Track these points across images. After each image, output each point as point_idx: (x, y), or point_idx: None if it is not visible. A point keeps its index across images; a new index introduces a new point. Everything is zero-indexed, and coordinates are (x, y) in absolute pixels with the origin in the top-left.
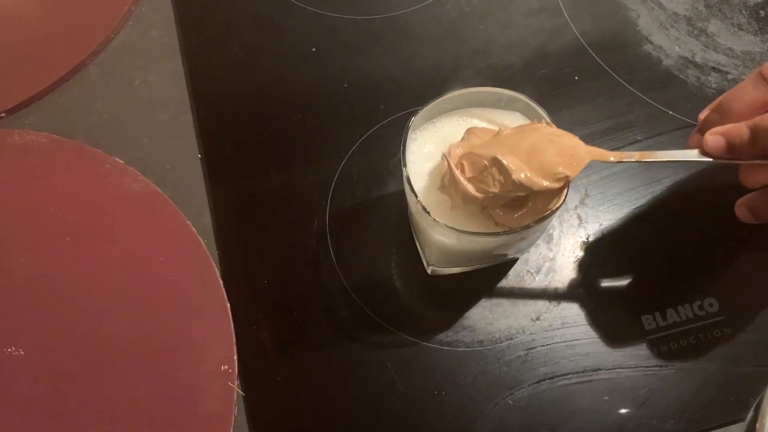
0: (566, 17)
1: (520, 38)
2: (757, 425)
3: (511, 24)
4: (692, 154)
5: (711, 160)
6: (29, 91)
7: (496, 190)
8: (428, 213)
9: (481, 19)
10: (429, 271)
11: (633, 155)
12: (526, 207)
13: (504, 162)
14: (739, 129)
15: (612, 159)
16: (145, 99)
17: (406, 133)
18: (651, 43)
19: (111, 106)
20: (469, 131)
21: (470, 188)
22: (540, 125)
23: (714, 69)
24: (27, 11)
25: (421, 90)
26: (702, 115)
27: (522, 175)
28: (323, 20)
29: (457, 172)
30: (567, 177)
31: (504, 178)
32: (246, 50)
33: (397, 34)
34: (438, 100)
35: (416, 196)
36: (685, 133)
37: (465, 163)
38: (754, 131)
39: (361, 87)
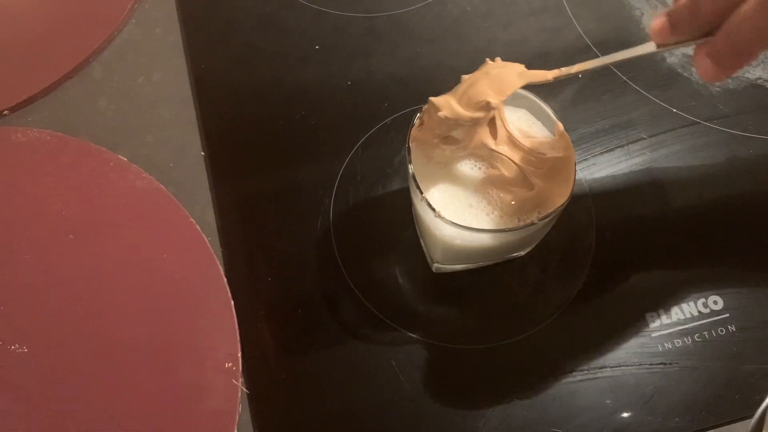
0: (570, 15)
1: (523, 37)
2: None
3: (513, 22)
4: (637, 50)
5: (656, 50)
6: (33, 88)
7: (439, 129)
8: (433, 209)
9: (483, 18)
10: (433, 269)
11: (572, 68)
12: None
13: (432, 101)
14: (680, 4)
15: (550, 77)
16: (148, 96)
17: (410, 130)
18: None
19: (114, 104)
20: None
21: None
22: (488, 63)
23: None
24: (30, 9)
25: (424, 88)
26: (654, 27)
27: (446, 110)
28: (326, 18)
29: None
30: (488, 104)
31: (434, 117)
32: (249, 48)
33: (399, 33)
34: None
35: (421, 192)
36: (689, 130)
37: (423, 115)
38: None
39: (364, 85)
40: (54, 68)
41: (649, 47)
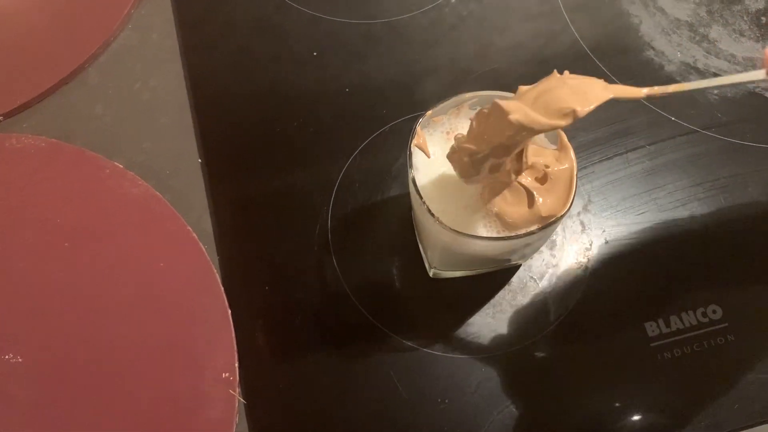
0: (567, 21)
1: (520, 43)
2: None
3: (510, 28)
4: (743, 76)
5: (765, 78)
6: (28, 94)
7: (499, 138)
8: (432, 214)
9: (480, 24)
10: (431, 274)
11: (668, 87)
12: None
13: (502, 105)
14: None
15: (644, 93)
16: (145, 102)
17: (413, 135)
18: (653, 48)
19: (111, 110)
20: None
21: (471, 143)
22: (565, 74)
23: (716, 75)
24: (26, 14)
25: (422, 95)
26: None
27: (519, 115)
28: (324, 24)
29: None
30: (574, 111)
31: (502, 122)
32: (247, 54)
33: (397, 39)
34: (446, 103)
35: (421, 198)
36: (688, 138)
37: (474, 121)
38: None
39: (362, 91)
40: (50, 74)
41: (758, 75)
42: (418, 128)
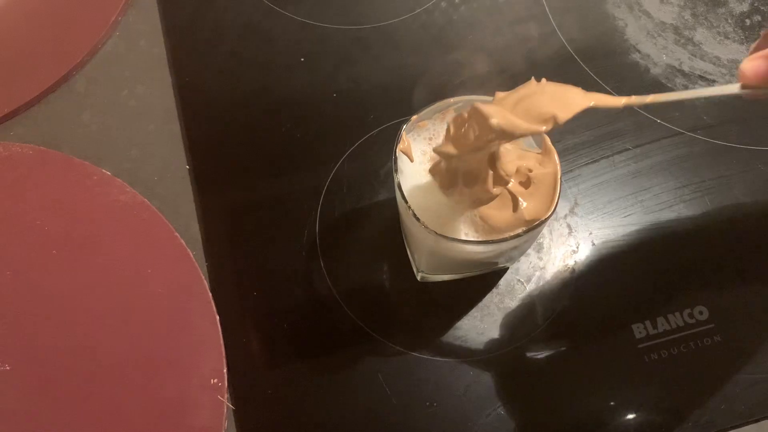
0: (554, 25)
1: (508, 46)
2: None
3: (499, 32)
4: (719, 89)
5: (740, 91)
6: (15, 102)
7: (478, 142)
8: (418, 219)
9: (468, 28)
10: (419, 278)
11: (646, 98)
12: (515, 209)
13: (482, 108)
14: None
15: (620, 104)
16: (132, 109)
17: (398, 141)
18: (638, 51)
19: (98, 117)
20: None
21: (448, 147)
22: (542, 82)
23: (701, 77)
24: (12, 22)
25: (410, 99)
26: (747, 69)
27: (500, 119)
28: (312, 30)
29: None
30: (555, 117)
31: (481, 126)
32: (234, 60)
33: (385, 44)
34: (431, 108)
35: (407, 202)
36: (674, 141)
37: (451, 125)
38: None
39: (350, 96)
40: (36, 82)
41: (732, 88)
42: (403, 133)
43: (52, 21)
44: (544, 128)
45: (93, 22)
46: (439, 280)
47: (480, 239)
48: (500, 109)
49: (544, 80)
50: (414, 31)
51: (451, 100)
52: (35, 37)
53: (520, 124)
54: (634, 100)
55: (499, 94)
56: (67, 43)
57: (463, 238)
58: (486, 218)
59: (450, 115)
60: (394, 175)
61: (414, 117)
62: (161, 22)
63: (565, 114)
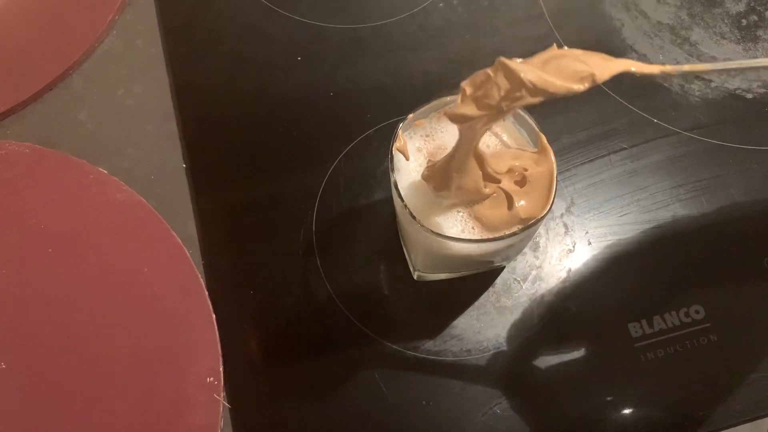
0: (551, 26)
1: (506, 47)
2: None
3: (496, 32)
4: (762, 61)
5: None
6: (11, 100)
7: (498, 98)
8: (414, 217)
9: (466, 28)
10: (415, 277)
11: (683, 67)
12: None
13: (510, 64)
14: None
15: (658, 70)
16: (129, 109)
17: (394, 139)
18: (635, 51)
19: (95, 116)
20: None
21: (466, 108)
22: (568, 49)
23: (697, 77)
24: (9, 20)
25: (408, 98)
26: None
27: (532, 76)
28: (309, 29)
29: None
30: (593, 75)
31: (511, 83)
32: (231, 59)
33: (383, 43)
34: (428, 106)
35: (403, 201)
36: (669, 141)
37: (467, 86)
38: None
39: (347, 96)
40: (33, 80)
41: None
42: (399, 131)
43: (49, 20)
44: (580, 87)
45: (90, 21)
46: (436, 279)
47: (476, 238)
48: (530, 66)
49: (566, 47)
50: (412, 30)
51: (448, 98)
52: (32, 36)
53: (554, 80)
54: (669, 69)
55: (520, 60)
56: (63, 41)
57: (458, 237)
58: (481, 217)
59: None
60: (391, 174)
61: (411, 115)
62: (158, 21)
63: (603, 73)
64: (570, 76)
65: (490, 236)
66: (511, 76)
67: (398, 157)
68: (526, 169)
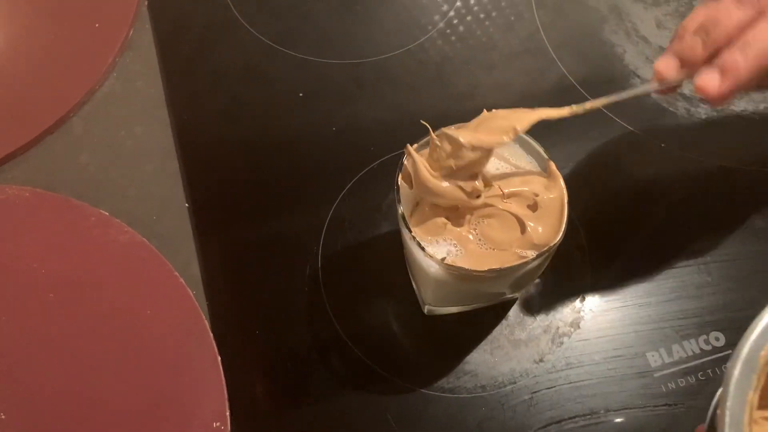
0: (553, 57)
1: (507, 80)
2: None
3: (496, 66)
4: (646, 88)
5: (656, 89)
6: (12, 145)
7: (451, 162)
8: (422, 248)
9: (466, 63)
10: (425, 311)
11: (585, 104)
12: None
13: (448, 132)
14: (690, 42)
15: (565, 113)
16: (130, 150)
17: (399, 170)
18: (638, 77)
19: (96, 158)
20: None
21: (424, 167)
22: (492, 111)
23: (703, 100)
24: (9, 64)
25: (410, 132)
26: (660, 66)
27: (469, 137)
28: (309, 66)
29: (415, 154)
30: (514, 128)
31: (452, 147)
32: (232, 98)
33: (383, 79)
34: (429, 138)
35: (410, 231)
36: (679, 164)
37: (423, 159)
38: (704, 31)
39: (349, 131)
40: (33, 124)
41: (651, 86)
42: (406, 162)
43: (49, 63)
44: (506, 138)
45: (90, 64)
46: (447, 312)
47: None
48: (466, 131)
49: (494, 110)
50: (412, 66)
51: (453, 127)
52: (32, 80)
53: (486, 137)
54: (575, 108)
55: (452, 128)
56: (64, 85)
57: (468, 267)
58: (489, 241)
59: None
60: (398, 205)
61: (415, 146)
62: (159, 62)
63: (523, 124)
64: (497, 131)
65: (502, 266)
66: (452, 141)
67: (404, 188)
68: (536, 194)
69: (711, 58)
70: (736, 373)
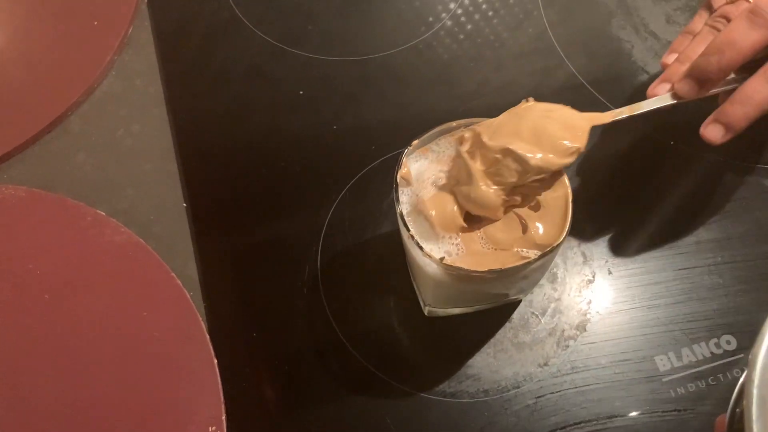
0: (561, 55)
1: (515, 79)
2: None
3: (504, 65)
4: (661, 100)
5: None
6: (9, 144)
7: (515, 179)
8: (421, 248)
9: (473, 61)
10: (426, 312)
11: (623, 111)
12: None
13: (517, 151)
14: (704, 62)
15: (608, 119)
16: (128, 149)
17: (399, 167)
18: (647, 72)
19: (93, 157)
20: (459, 138)
21: (481, 182)
22: (529, 103)
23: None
24: (6, 61)
25: (412, 130)
26: (667, 60)
27: (539, 158)
28: (310, 63)
29: (471, 162)
30: (578, 149)
31: (520, 166)
32: (232, 97)
33: (387, 76)
34: (432, 132)
35: (409, 230)
36: (690, 164)
37: (478, 161)
38: (719, 51)
39: (350, 130)
40: (31, 123)
41: (665, 100)
42: (404, 159)
43: (47, 62)
44: (572, 160)
45: (88, 62)
46: (448, 314)
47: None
48: (531, 148)
49: (531, 100)
50: (417, 63)
51: (453, 123)
52: (30, 78)
53: (556, 161)
54: (616, 113)
55: (495, 120)
56: (62, 83)
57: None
58: (493, 240)
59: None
60: (396, 204)
61: (415, 141)
62: (158, 60)
63: (583, 144)
64: (563, 152)
65: (504, 267)
66: (520, 161)
67: (403, 186)
68: (539, 192)
69: (725, 76)
70: (761, 356)
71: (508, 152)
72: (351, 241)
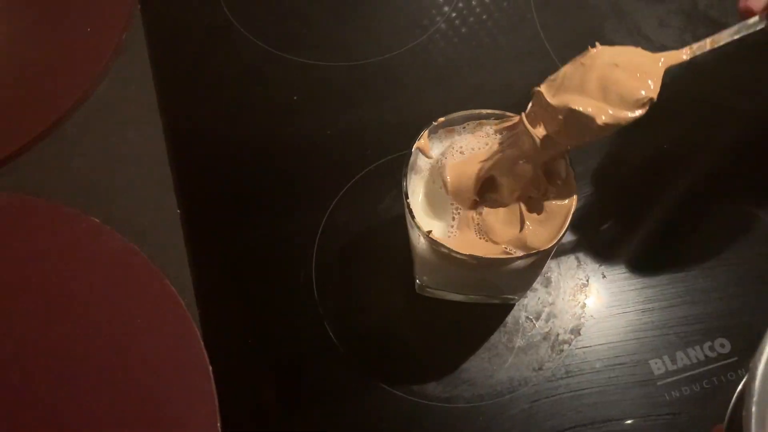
0: (554, 59)
1: (510, 82)
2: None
3: (499, 68)
4: (753, 23)
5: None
6: (3, 151)
7: (586, 138)
8: (413, 216)
9: (468, 65)
10: (416, 288)
11: (705, 44)
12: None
13: (582, 110)
14: None
15: (685, 57)
16: (122, 156)
17: (406, 167)
18: None
19: (87, 164)
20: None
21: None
22: (596, 51)
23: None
24: (1, 69)
25: (407, 134)
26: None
27: (606, 115)
28: (304, 69)
29: (531, 129)
30: (651, 99)
31: (589, 125)
32: (226, 103)
33: (383, 80)
34: (461, 114)
35: (407, 198)
36: (679, 165)
37: (541, 126)
38: None
39: (345, 135)
40: (25, 130)
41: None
42: (425, 132)
43: (41, 69)
44: (643, 112)
45: (83, 68)
46: (436, 296)
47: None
48: (596, 104)
49: (599, 46)
50: (413, 67)
51: (484, 111)
52: (24, 84)
53: (626, 115)
54: (695, 47)
55: (560, 74)
56: (56, 90)
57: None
58: (489, 231)
59: (478, 128)
60: (404, 169)
61: (442, 119)
62: (152, 67)
63: (655, 92)
64: (634, 104)
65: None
66: (588, 120)
67: (411, 178)
68: (545, 196)
69: None
70: (761, 366)
71: (571, 113)
72: (346, 246)
